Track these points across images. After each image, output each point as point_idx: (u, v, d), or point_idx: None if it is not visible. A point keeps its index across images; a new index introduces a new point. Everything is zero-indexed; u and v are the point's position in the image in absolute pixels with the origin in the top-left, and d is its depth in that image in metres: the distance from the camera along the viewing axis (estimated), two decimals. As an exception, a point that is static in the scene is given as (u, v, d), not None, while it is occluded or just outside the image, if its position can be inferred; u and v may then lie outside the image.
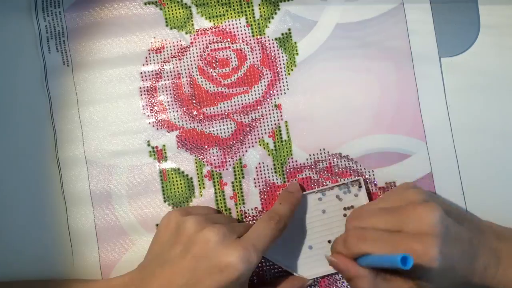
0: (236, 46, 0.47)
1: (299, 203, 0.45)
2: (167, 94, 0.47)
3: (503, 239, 0.42)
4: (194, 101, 0.47)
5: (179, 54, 0.48)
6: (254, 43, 0.47)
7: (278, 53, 0.47)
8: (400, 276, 0.39)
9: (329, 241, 0.45)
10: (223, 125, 0.47)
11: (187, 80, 0.47)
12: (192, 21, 0.48)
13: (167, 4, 0.48)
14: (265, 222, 0.41)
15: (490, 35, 0.47)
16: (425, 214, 0.38)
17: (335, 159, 0.47)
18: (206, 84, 0.47)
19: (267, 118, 0.47)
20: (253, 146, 0.47)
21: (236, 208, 0.47)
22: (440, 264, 0.37)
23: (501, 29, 0.47)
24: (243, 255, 0.38)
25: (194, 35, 0.48)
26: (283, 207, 0.43)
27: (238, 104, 0.47)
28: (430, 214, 0.38)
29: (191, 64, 0.47)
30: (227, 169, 0.47)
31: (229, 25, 0.47)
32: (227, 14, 0.47)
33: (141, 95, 0.47)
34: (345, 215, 0.45)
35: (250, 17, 0.47)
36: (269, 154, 0.47)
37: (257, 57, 0.47)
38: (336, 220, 0.46)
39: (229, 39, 0.47)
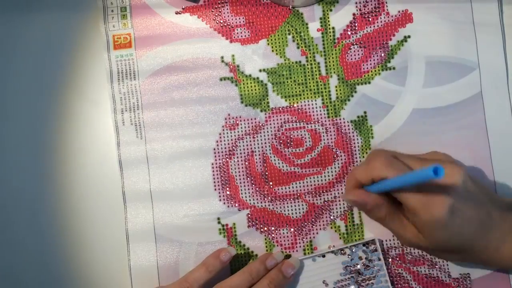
0: (311, 126, 0.47)
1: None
2: (239, 172, 0.47)
3: None
4: (266, 180, 0.47)
5: (253, 131, 0.47)
6: (329, 124, 0.47)
7: (353, 136, 0.47)
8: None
9: None
10: (295, 206, 0.47)
11: (260, 158, 0.47)
12: (267, 99, 0.48)
13: (243, 80, 0.48)
14: None
15: None
16: (451, 171, 0.38)
17: (408, 247, 0.46)
18: (279, 163, 0.47)
19: (339, 201, 0.47)
20: (324, 229, 0.47)
21: (305, 291, 0.46)
22: (448, 215, 0.38)
23: None
24: None
25: (269, 113, 0.47)
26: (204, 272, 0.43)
27: (311, 185, 0.47)
28: (456, 172, 0.38)
29: (265, 142, 0.47)
30: (297, 250, 0.47)
31: (305, 105, 0.47)
32: (303, 94, 0.47)
33: (213, 171, 0.47)
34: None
35: (326, 98, 0.47)
36: (340, 238, 0.47)
37: (331, 139, 0.47)
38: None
39: (304, 119, 0.47)
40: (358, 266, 0.46)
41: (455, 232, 0.39)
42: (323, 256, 0.46)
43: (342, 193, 0.47)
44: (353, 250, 0.46)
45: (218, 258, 0.44)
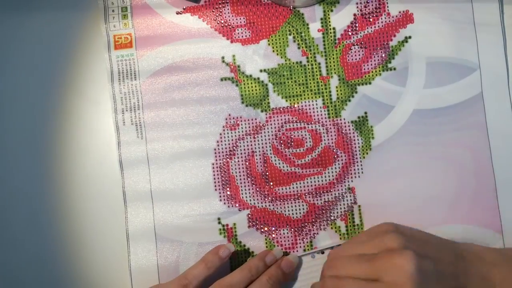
0: (312, 126, 0.47)
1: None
2: (239, 172, 0.47)
3: (494, 264, 0.41)
4: (266, 180, 0.47)
5: (254, 132, 0.47)
6: (330, 124, 0.47)
7: (354, 136, 0.47)
8: None
9: None
10: (295, 206, 0.47)
11: (260, 158, 0.47)
12: (268, 99, 0.47)
13: (244, 80, 0.48)
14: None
15: None
16: (401, 264, 0.38)
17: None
18: (279, 163, 0.47)
19: (340, 201, 0.47)
20: (324, 229, 0.47)
21: (306, 291, 0.46)
22: None
23: None
24: None
25: (270, 113, 0.47)
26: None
27: (311, 185, 0.47)
28: (406, 264, 0.38)
29: (266, 143, 0.47)
30: (297, 250, 0.46)
31: (306, 105, 0.47)
32: (304, 95, 0.47)
33: (214, 171, 0.47)
34: None
35: (327, 99, 0.47)
36: (340, 238, 0.47)
37: (332, 139, 0.47)
38: None
39: (305, 120, 0.47)
40: None
41: None
42: (322, 252, 0.46)
43: (342, 195, 0.47)
44: None
45: (217, 255, 0.44)
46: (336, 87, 0.47)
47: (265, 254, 0.45)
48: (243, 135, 0.47)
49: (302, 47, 0.47)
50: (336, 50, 0.47)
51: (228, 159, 0.47)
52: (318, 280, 0.45)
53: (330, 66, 0.47)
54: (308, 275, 0.46)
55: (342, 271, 0.40)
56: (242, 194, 0.47)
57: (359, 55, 0.47)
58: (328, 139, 0.47)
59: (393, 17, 0.47)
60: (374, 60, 0.47)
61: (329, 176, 0.47)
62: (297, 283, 0.46)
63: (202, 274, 0.43)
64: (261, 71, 0.48)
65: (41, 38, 0.48)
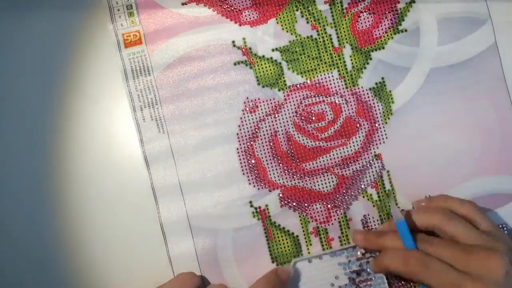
0: (331, 99, 0.47)
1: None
2: (265, 153, 0.47)
3: None
4: (292, 158, 0.47)
5: (274, 111, 0.47)
6: (349, 94, 0.47)
7: (374, 103, 0.47)
8: None
9: None
10: (324, 180, 0.47)
11: (283, 137, 0.47)
12: (284, 77, 0.47)
13: (257, 62, 0.48)
14: None
15: None
16: (493, 265, 0.38)
17: (442, 206, 0.46)
18: (303, 139, 0.47)
19: (368, 169, 0.47)
20: (356, 199, 0.47)
21: (346, 262, 0.46)
22: None
23: None
24: None
25: (287, 91, 0.47)
26: None
27: (338, 157, 0.47)
28: (497, 266, 0.38)
29: (287, 121, 0.47)
30: (332, 224, 0.47)
31: (322, 78, 0.47)
32: (319, 68, 0.47)
33: (239, 156, 0.47)
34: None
35: (342, 69, 0.47)
36: (373, 206, 0.47)
37: (352, 109, 0.47)
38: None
39: (323, 93, 0.47)
40: (355, 267, 0.45)
41: None
42: (320, 258, 0.46)
43: (369, 163, 0.47)
44: (350, 252, 0.46)
45: (275, 274, 0.44)
46: (350, 56, 0.47)
47: (279, 269, 0.45)
48: (263, 116, 0.47)
49: (311, 21, 0.47)
50: (345, 20, 0.47)
51: (252, 142, 0.47)
52: (317, 285, 0.45)
53: (341, 36, 0.47)
54: (306, 280, 0.45)
55: (431, 249, 0.41)
56: (270, 175, 0.47)
57: (368, 21, 0.47)
58: (348, 110, 0.47)
59: (398, -21, 0.47)
60: (384, 25, 0.47)
61: (354, 146, 0.47)
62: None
63: None
64: (273, 50, 0.47)
65: (47, 44, 0.47)
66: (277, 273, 0.45)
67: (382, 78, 0.47)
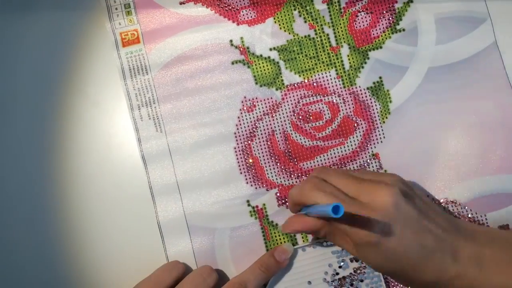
0: (328, 98, 0.47)
1: (274, 274, 0.45)
2: (262, 153, 0.47)
3: (486, 244, 0.38)
4: (290, 157, 0.47)
5: (271, 111, 0.47)
6: (346, 94, 0.47)
7: (371, 102, 0.47)
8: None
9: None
10: (322, 179, 0.47)
11: (281, 137, 0.47)
12: (281, 76, 0.47)
13: (255, 61, 0.48)
14: None
15: None
16: (381, 194, 0.37)
17: (442, 205, 0.46)
18: (300, 138, 0.47)
19: (366, 168, 0.47)
20: (354, 198, 0.47)
21: (343, 262, 0.46)
22: (377, 239, 0.36)
23: None
24: None
25: (285, 90, 0.47)
26: (256, 277, 0.43)
27: (335, 157, 0.47)
28: (385, 195, 0.37)
29: (284, 120, 0.47)
30: (329, 223, 0.46)
31: (319, 78, 0.47)
32: (316, 68, 0.47)
33: (237, 155, 0.47)
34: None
35: (339, 69, 0.47)
36: (371, 205, 0.46)
37: (350, 108, 0.47)
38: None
39: (320, 92, 0.47)
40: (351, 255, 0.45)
41: (389, 257, 0.37)
42: (314, 247, 0.46)
43: (367, 162, 0.47)
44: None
45: (272, 257, 0.44)
46: (348, 55, 0.47)
47: (275, 250, 0.45)
48: (261, 115, 0.47)
49: (309, 21, 0.47)
50: (343, 19, 0.47)
51: (249, 142, 0.47)
52: (308, 273, 0.45)
53: (339, 35, 0.47)
54: (299, 269, 0.46)
55: (327, 178, 0.40)
56: (267, 174, 0.47)
57: (366, 21, 0.47)
58: (346, 109, 0.47)
59: (396, -22, 0.47)
60: (382, 24, 0.47)
61: (352, 145, 0.47)
62: (287, 275, 0.45)
63: (257, 278, 0.43)
64: (271, 49, 0.47)
65: (45, 42, 0.48)
66: (273, 254, 0.45)
67: (380, 78, 0.47)
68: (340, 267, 0.45)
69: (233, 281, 0.43)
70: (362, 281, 0.45)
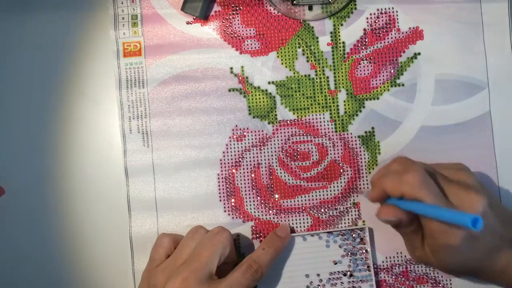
0: (318, 140, 0.47)
1: (284, 249, 0.45)
2: (245, 183, 0.47)
3: None
4: (271, 192, 0.47)
5: (260, 143, 0.47)
6: (337, 138, 0.47)
7: (360, 151, 0.47)
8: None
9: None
10: (299, 219, 0.47)
11: (266, 170, 0.47)
12: (275, 111, 0.47)
13: (252, 92, 0.48)
14: (241, 272, 0.41)
15: None
16: (474, 200, 0.38)
17: (411, 264, 0.46)
18: (285, 175, 0.47)
19: (344, 216, 0.47)
20: (328, 243, 0.47)
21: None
22: (463, 243, 0.38)
23: None
24: None
25: (277, 125, 0.47)
26: (265, 254, 0.43)
27: (316, 199, 0.47)
28: (477, 203, 0.38)
29: (272, 155, 0.47)
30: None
31: (313, 118, 0.47)
32: (312, 108, 0.47)
33: (219, 182, 0.47)
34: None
35: (334, 113, 0.47)
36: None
37: (338, 153, 0.47)
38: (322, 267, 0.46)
39: (311, 133, 0.47)
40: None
41: (467, 257, 0.39)
42: (312, 235, 0.46)
43: (346, 210, 0.47)
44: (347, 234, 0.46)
45: (275, 235, 0.45)
46: (344, 101, 0.47)
47: (275, 230, 0.45)
48: (249, 146, 0.47)
49: (311, 60, 0.47)
50: (345, 65, 0.47)
51: (233, 170, 0.47)
52: (309, 261, 0.46)
53: (339, 80, 0.47)
54: (299, 256, 0.46)
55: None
56: (246, 205, 0.47)
57: (367, 70, 0.47)
58: (334, 153, 0.47)
59: (403, 33, 0.47)
60: (383, 76, 0.47)
61: (334, 191, 0.47)
62: (288, 262, 0.46)
63: (269, 257, 0.43)
64: (269, 83, 0.47)
65: (50, 44, 0.48)
66: (275, 233, 0.45)
67: (372, 128, 0.47)
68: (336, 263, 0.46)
69: (249, 262, 0.42)
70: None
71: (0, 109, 0.47)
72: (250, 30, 0.48)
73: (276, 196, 0.47)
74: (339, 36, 0.47)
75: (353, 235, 0.46)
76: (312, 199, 0.47)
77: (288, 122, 0.47)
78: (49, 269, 0.47)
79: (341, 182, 0.47)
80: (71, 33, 0.48)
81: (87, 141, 0.47)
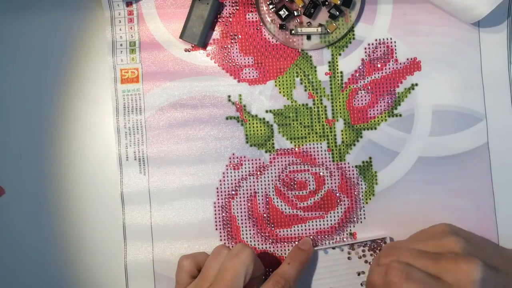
0: (316, 169, 0.47)
1: (309, 262, 0.45)
2: (241, 212, 0.47)
3: None
4: (268, 222, 0.47)
5: (257, 172, 0.47)
6: (334, 168, 0.47)
7: (358, 181, 0.47)
8: None
9: None
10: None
11: (262, 199, 0.47)
12: (273, 140, 0.47)
13: (249, 120, 0.47)
14: None
15: None
16: (467, 270, 0.38)
17: None
18: (282, 205, 0.47)
19: (341, 245, 0.46)
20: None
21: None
22: None
23: None
24: None
25: (274, 154, 0.47)
26: (291, 268, 0.43)
27: (313, 229, 0.47)
28: (472, 271, 0.38)
29: (269, 184, 0.47)
30: (296, 294, 0.46)
31: (310, 148, 0.47)
32: (309, 137, 0.47)
33: (215, 210, 0.47)
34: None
35: (331, 142, 0.47)
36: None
37: (335, 183, 0.47)
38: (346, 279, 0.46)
39: (308, 162, 0.47)
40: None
41: None
42: (334, 248, 0.46)
43: (342, 240, 0.46)
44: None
45: (299, 249, 0.45)
46: (341, 131, 0.47)
47: (298, 244, 0.46)
48: (246, 175, 0.47)
49: (309, 90, 0.47)
50: (343, 94, 0.47)
51: (230, 199, 0.47)
52: (333, 274, 0.46)
53: (336, 109, 0.47)
54: (323, 269, 0.46)
55: (402, 258, 0.40)
56: (242, 234, 0.47)
57: (365, 100, 0.47)
58: (331, 183, 0.47)
59: (400, 64, 0.47)
60: (380, 106, 0.47)
61: (331, 221, 0.47)
62: (314, 276, 0.46)
63: (295, 271, 0.43)
64: (267, 111, 0.47)
65: (47, 67, 0.48)
66: (298, 247, 0.45)
67: (370, 158, 0.47)
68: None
69: (276, 278, 0.42)
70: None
71: None
72: (248, 58, 0.48)
73: (273, 225, 0.47)
74: (337, 65, 0.47)
75: (373, 246, 0.46)
76: (309, 229, 0.47)
77: (286, 150, 0.47)
78: (49, 269, 0.46)
79: (338, 212, 0.47)
80: (68, 59, 0.48)
81: (81, 137, 0.47)
